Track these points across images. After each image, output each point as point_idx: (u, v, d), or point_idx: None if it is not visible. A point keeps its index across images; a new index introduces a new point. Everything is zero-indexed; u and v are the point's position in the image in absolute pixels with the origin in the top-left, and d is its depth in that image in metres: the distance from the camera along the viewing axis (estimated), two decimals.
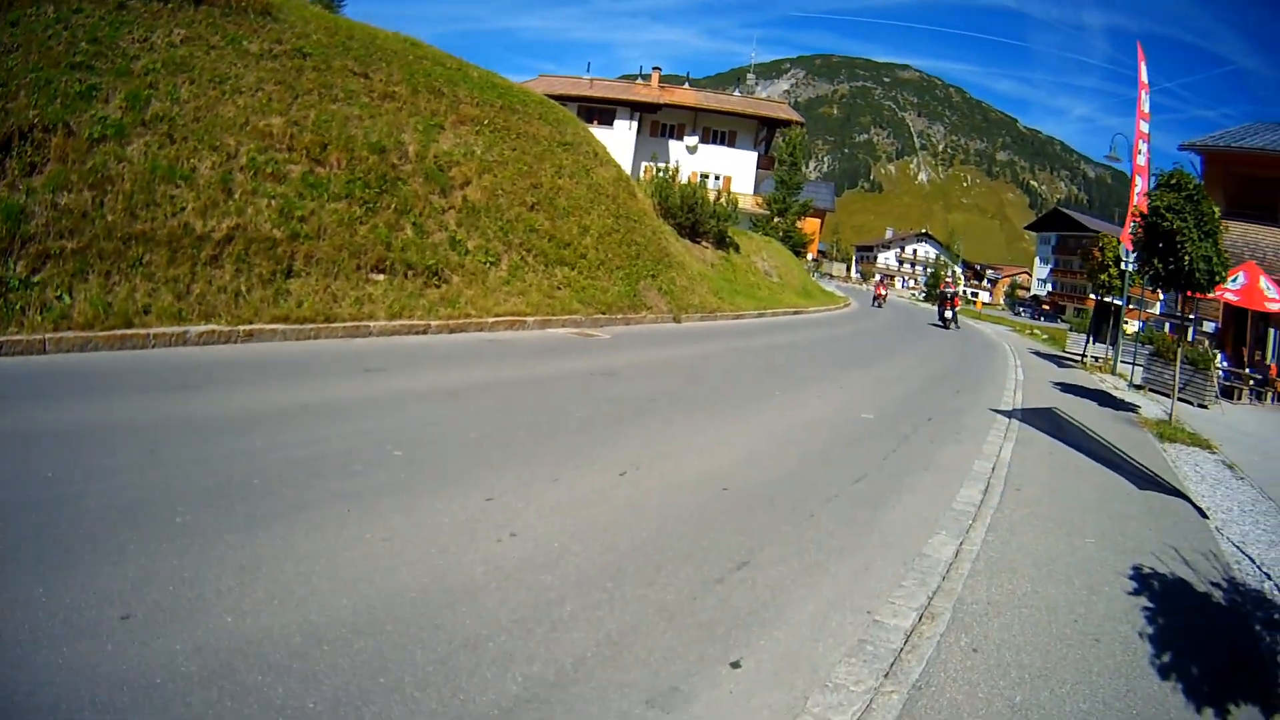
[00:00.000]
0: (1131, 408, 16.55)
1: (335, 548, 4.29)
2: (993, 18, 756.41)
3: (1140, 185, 21.52)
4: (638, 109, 50.83)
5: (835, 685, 3.86)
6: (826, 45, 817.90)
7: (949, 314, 32.80)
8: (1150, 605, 5.64)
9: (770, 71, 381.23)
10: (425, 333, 10.71)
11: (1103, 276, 25.40)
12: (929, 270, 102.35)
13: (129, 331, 7.88)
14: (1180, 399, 19.23)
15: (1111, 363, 24.68)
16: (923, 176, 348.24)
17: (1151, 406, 17.34)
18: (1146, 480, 9.91)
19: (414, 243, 11.66)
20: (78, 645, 3.10)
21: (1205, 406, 18.67)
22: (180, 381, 7.25)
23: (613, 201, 18.22)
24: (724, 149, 53.36)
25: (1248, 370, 23.06)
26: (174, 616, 3.42)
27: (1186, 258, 12.62)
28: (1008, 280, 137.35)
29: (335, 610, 3.69)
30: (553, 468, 6.24)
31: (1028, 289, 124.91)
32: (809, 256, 64.03)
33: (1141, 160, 21.75)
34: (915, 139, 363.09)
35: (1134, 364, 22.11)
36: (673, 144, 51.91)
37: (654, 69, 54.78)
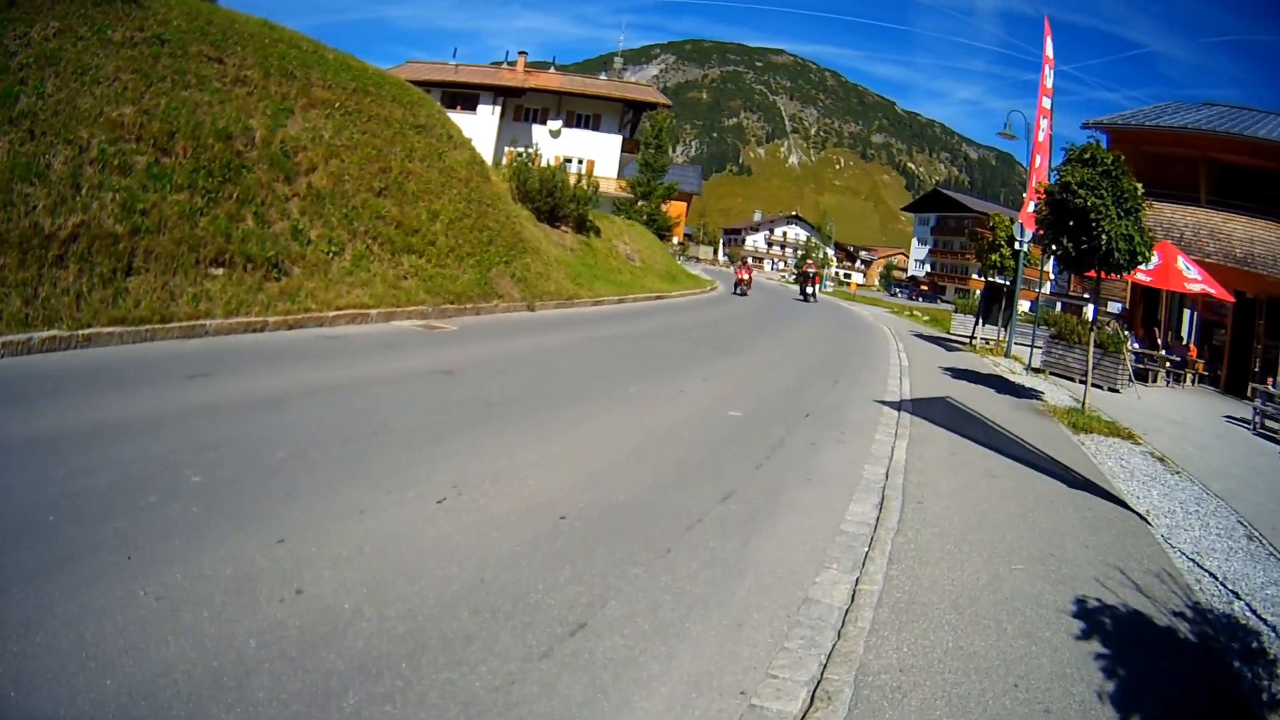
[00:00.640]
0: (1034, 394, 16.01)
1: (109, 607, 3.78)
2: (874, 1, 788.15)
3: (1041, 163, 21.41)
4: (501, 93, 52.23)
5: None
6: (698, 30, 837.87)
7: (810, 290, 42.73)
8: (1105, 652, 4.87)
9: (640, 57, 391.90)
10: (263, 330, 10.73)
11: (993, 257, 25.37)
12: (799, 253, 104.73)
13: None
14: (1084, 381, 19.40)
15: (1004, 345, 24.78)
16: (794, 159, 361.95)
17: (1056, 392, 16.92)
18: (1070, 482, 9.04)
19: (255, 233, 11.85)
20: None
21: (1117, 391, 18.50)
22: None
23: (465, 185, 18.50)
24: (588, 133, 55.13)
25: (1164, 352, 23.38)
26: None
27: (1104, 237, 12.36)
28: (883, 262, 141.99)
29: (98, 695, 3.17)
30: (362, 495, 5.53)
31: (904, 270, 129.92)
32: (675, 240, 65.74)
33: (1042, 137, 21.62)
34: (787, 122, 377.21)
35: (1031, 346, 21.96)
36: (536, 128, 53.29)
37: (519, 53, 56.60)
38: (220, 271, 10.93)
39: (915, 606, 5.12)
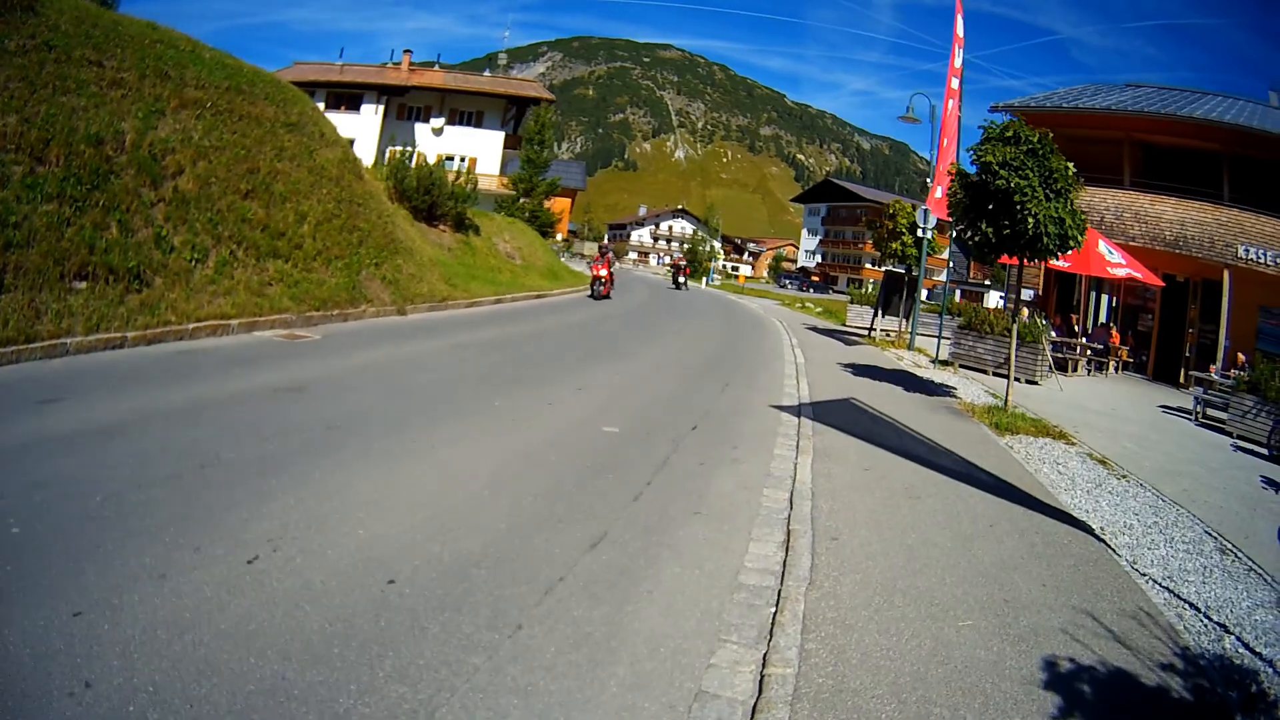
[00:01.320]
0: (946, 390, 15.20)
1: None
2: None
3: (949, 146, 20.82)
4: (385, 92, 53.48)
5: None
6: (586, 27, 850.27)
7: (681, 279, 48.35)
8: None
9: (527, 55, 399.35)
10: (122, 346, 10.38)
11: (894, 245, 24.63)
12: (685, 246, 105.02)
13: None
14: (999, 374, 18.54)
15: (907, 337, 24.16)
16: (680, 154, 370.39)
17: (969, 387, 16.15)
18: (1007, 496, 8.01)
19: (118, 243, 11.66)
20: None
21: (1036, 383, 17.96)
22: None
23: (336, 184, 18.36)
24: (470, 130, 56.03)
25: (1084, 339, 23.12)
26: None
27: (1030, 220, 11.80)
28: (771, 253, 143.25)
29: None
30: (169, 551, 4.73)
31: (794, 261, 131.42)
32: (558, 237, 65.63)
33: (951, 120, 21.03)
34: (673, 117, 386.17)
35: (938, 338, 21.31)
36: (419, 127, 54.53)
37: (405, 51, 57.61)
38: (83, 285, 10.73)
39: (844, 696, 3.97)
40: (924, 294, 29.36)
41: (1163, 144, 25.29)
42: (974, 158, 12.59)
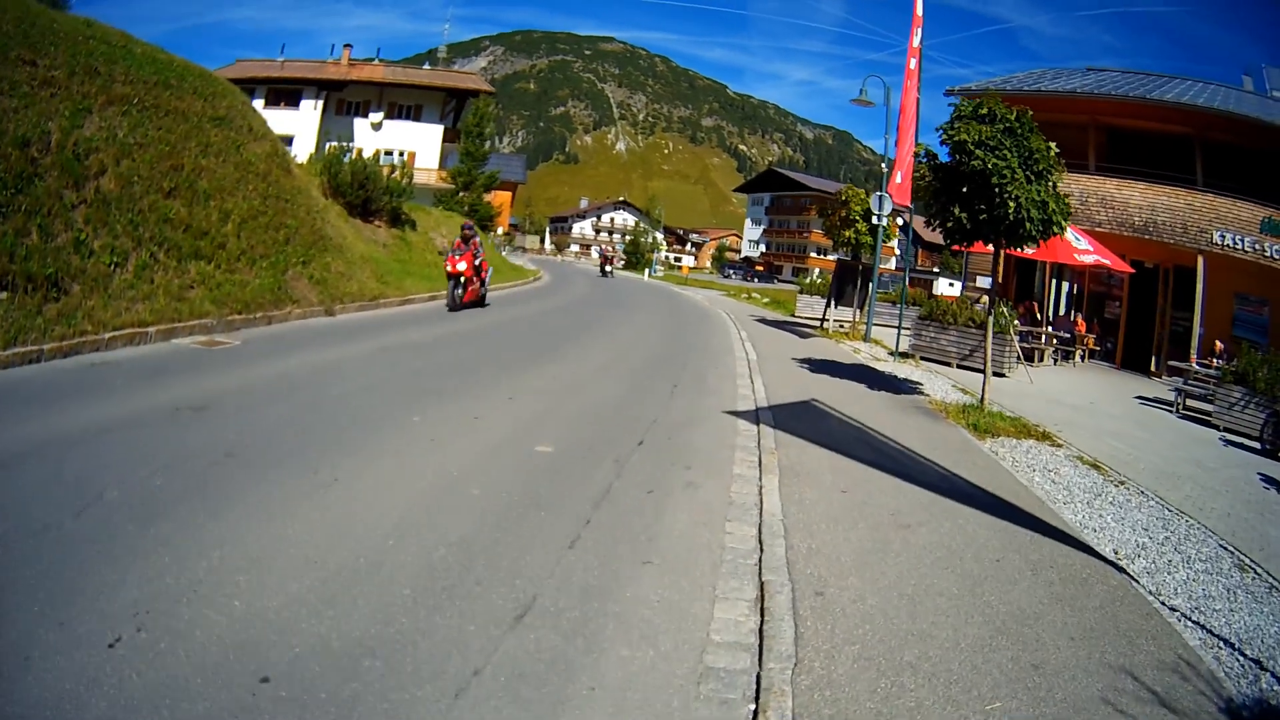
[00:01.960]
0: (912, 387, 14.20)
1: None
2: None
3: (908, 128, 19.89)
4: (324, 87, 52.98)
5: None
6: (528, 21, 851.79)
7: (608, 269, 50.94)
8: None
9: (469, 50, 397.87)
10: (39, 359, 9.74)
11: (847, 234, 23.77)
12: (627, 238, 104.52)
13: None
14: (964, 366, 17.96)
15: (862, 328, 23.37)
16: (621, 146, 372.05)
17: (935, 382, 15.26)
18: (1005, 515, 7.02)
19: (38, 249, 11.31)
20: None
21: (1004, 375, 17.24)
22: None
23: (263, 180, 17.92)
24: (409, 124, 55.97)
25: (1050, 329, 22.48)
26: None
27: (1011, 204, 10.93)
28: (715, 244, 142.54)
29: None
30: (32, 628, 3.86)
31: (738, 251, 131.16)
32: (499, 230, 65.85)
33: (912, 102, 20.29)
34: (615, 109, 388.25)
35: (898, 329, 20.21)
36: (358, 122, 54.59)
37: (345, 46, 57.40)
38: (4, 295, 10.35)
39: None
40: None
41: (1129, 128, 24.72)
42: (944, 137, 11.67)
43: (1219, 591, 6.04)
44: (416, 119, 56.43)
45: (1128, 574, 6.04)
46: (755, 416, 10.04)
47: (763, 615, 4.62)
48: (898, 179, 19.42)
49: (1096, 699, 4.10)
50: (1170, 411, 16.03)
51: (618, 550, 5.29)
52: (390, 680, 3.66)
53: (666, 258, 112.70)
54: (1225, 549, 7.09)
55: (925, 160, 12.29)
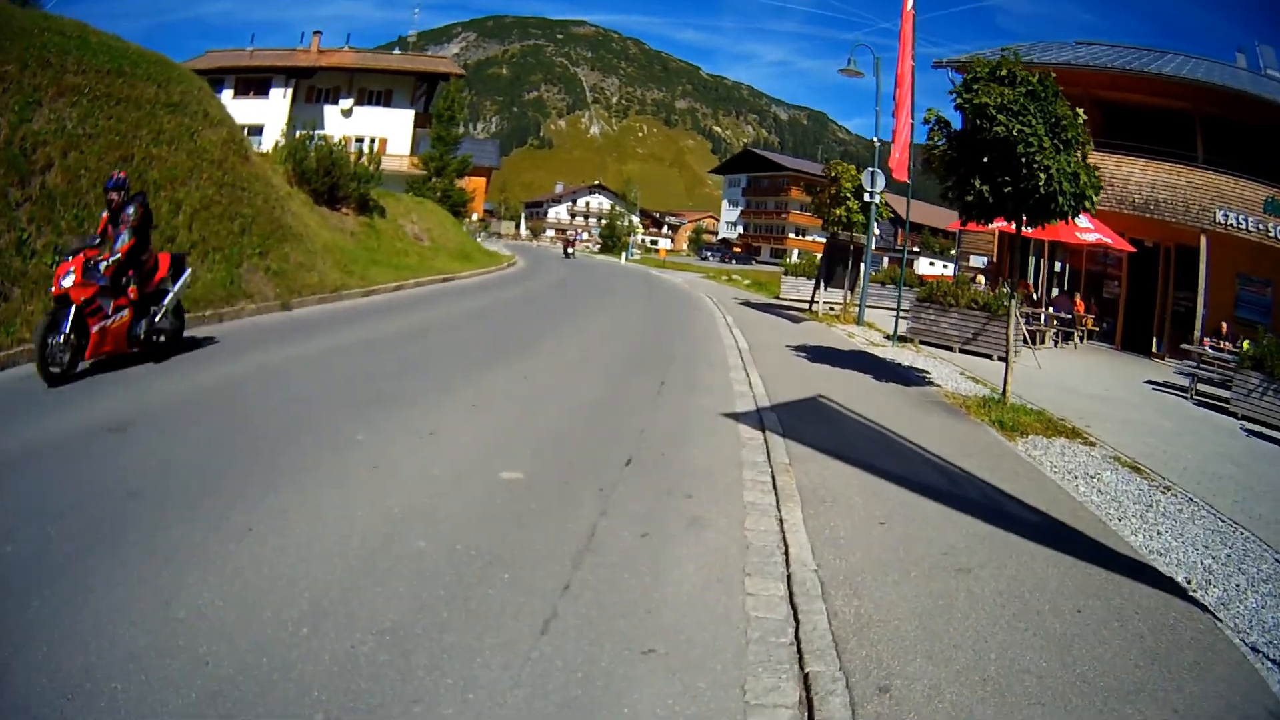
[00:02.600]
0: (921, 377, 12.95)
1: None
2: None
3: (905, 98, 18.68)
4: (293, 75, 51.89)
5: None
6: (499, 6, 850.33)
7: (570, 250, 56.34)
8: None
9: (441, 37, 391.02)
10: None
11: (837, 212, 22.42)
12: (603, 221, 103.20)
13: None
14: (967, 350, 16.80)
15: (854, 311, 22.19)
16: (595, 130, 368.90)
17: (943, 370, 14.08)
18: (1074, 548, 5.78)
19: None
20: None
21: (1007, 359, 16.27)
22: None
23: (218, 168, 17.06)
24: (380, 109, 54.78)
25: (1050, 309, 21.44)
26: None
27: (1042, 175, 9.69)
28: (691, 226, 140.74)
29: None
30: None
31: (714, 233, 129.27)
32: (473, 216, 66.44)
33: (908, 71, 18.94)
34: (588, 93, 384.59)
35: (897, 313, 18.82)
36: (328, 109, 52.99)
37: (315, 33, 55.85)
38: None
39: None
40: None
41: (1127, 102, 23.58)
42: (960, 101, 10.46)
43: None
44: (387, 104, 55.24)
45: (1212, 614, 5.06)
46: (758, 419, 8.69)
47: None
48: (896, 154, 18.17)
49: None
50: (1184, 397, 15.12)
51: (608, 632, 3.91)
52: None
53: (643, 241, 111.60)
54: None
55: (938, 127, 10.94)
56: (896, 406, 10.33)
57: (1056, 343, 20.39)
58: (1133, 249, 21.52)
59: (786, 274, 31.49)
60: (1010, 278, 11.77)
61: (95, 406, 7.18)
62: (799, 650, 3.94)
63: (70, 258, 8.39)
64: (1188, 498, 7.78)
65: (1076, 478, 7.94)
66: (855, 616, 4.31)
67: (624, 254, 68.52)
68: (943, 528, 5.90)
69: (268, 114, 48.01)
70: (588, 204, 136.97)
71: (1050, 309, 21.23)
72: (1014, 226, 10.83)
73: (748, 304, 26.16)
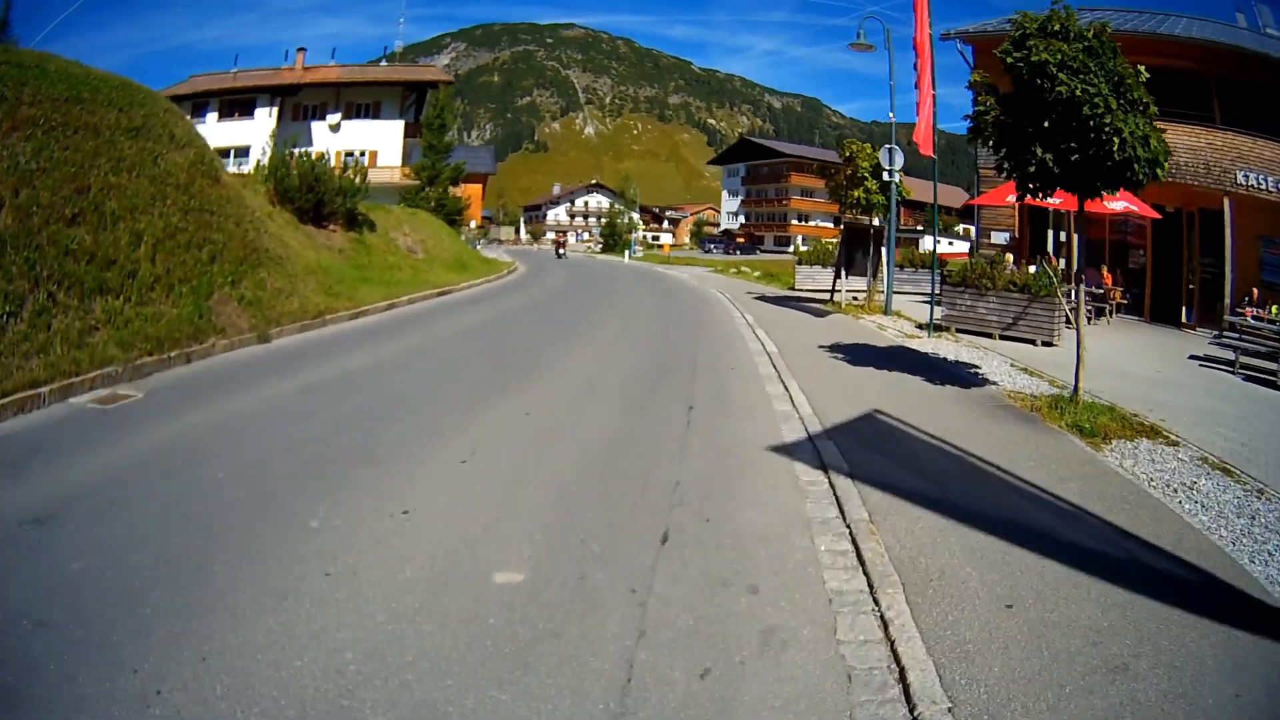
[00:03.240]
0: (974, 374, 11.52)
1: None
2: None
3: (925, 67, 17.54)
4: (278, 93, 51.03)
5: None
6: (487, 15, 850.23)
7: (561, 250, 58.14)
8: None
9: (430, 48, 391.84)
10: None
11: (855, 193, 20.73)
12: (603, 220, 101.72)
13: None
14: (1007, 336, 15.53)
15: (878, 300, 20.77)
16: (589, 130, 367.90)
17: (991, 362, 12.74)
18: (1232, 617, 4.44)
19: None
20: None
21: (1054, 344, 14.97)
22: None
23: (184, 192, 15.75)
24: (368, 122, 53.63)
25: (1083, 284, 20.20)
26: None
27: (1115, 140, 8.38)
28: (692, 219, 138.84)
29: None
30: None
31: (716, 225, 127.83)
32: (471, 224, 63.55)
33: (925, 38, 17.99)
34: (580, 94, 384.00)
35: (932, 300, 17.64)
36: (315, 125, 51.96)
37: (299, 50, 55.09)
38: None
39: None
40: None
41: (1143, 65, 22.24)
42: (1014, 59, 9.12)
43: None
44: (375, 117, 54.20)
45: None
46: (814, 452, 7.19)
47: None
48: (921, 128, 16.72)
49: None
50: (1229, 372, 14.03)
51: None
52: None
53: (644, 237, 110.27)
54: None
55: (986, 91, 9.48)
56: (963, 416, 8.84)
57: (1090, 319, 18.96)
58: (1157, 215, 20.25)
59: (800, 263, 29.87)
60: (1080, 256, 10.31)
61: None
62: None
63: None
64: None
65: (1175, 490, 6.86)
66: None
67: (626, 252, 67.38)
68: (1077, 601, 4.49)
69: (254, 134, 46.74)
70: (586, 204, 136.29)
71: (1083, 284, 19.86)
72: (1076, 199, 9.39)
73: (763, 298, 24.69)
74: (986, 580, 4.66)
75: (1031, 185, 9.22)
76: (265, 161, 25.22)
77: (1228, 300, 19.73)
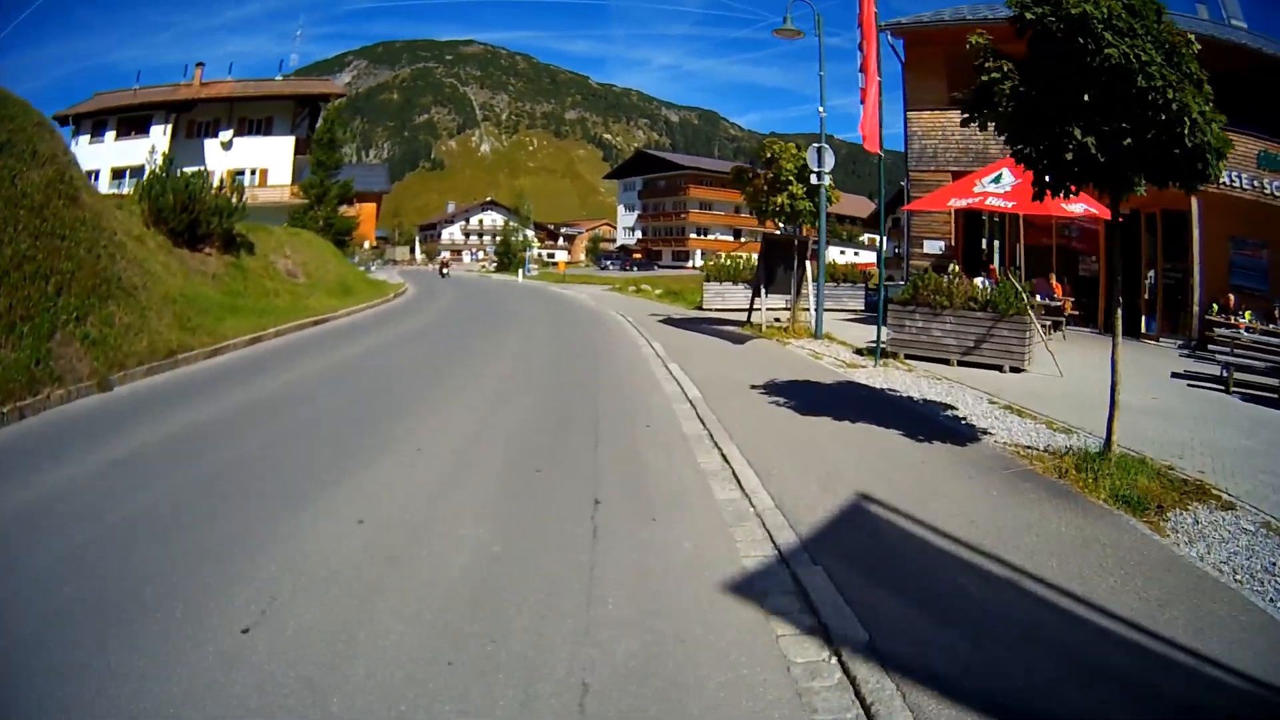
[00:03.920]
0: (960, 422, 9.27)
1: None
2: None
3: (871, 52, 15.59)
4: (174, 109, 49.42)
5: None
6: (389, 32, 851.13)
7: (446, 270, 58.74)
8: None
9: (333, 66, 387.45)
10: None
11: (779, 199, 18.76)
12: (497, 238, 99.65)
13: None
14: (967, 363, 13.69)
15: (806, 320, 18.59)
16: (485, 147, 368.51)
17: (965, 400, 10.60)
18: None
19: None
20: None
21: (1023, 369, 13.21)
22: None
23: (37, 215, 14.39)
24: (260, 139, 52.27)
25: (1038, 296, 18.30)
26: None
27: (1186, 121, 6.34)
28: (588, 235, 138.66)
29: None
30: None
31: (613, 240, 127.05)
32: (365, 244, 63.60)
33: (871, 21, 15.89)
34: (477, 111, 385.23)
35: (880, 322, 14.86)
36: (208, 143, 50.48)
37: (197, 65, 53.78)
38: None
39: None
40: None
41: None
42: (1041, 12, 6.66)
43: None
44: (268, 133, 52.65)
45: None
46: (800, 596, 4.53)
47: None
48: (865, 121, 14.72)
49: None
50: (1221, 390, 12.93)
51: None
52: None
53: (539, 254, 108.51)
54: None
55: (993, 58, 7.13)
56: (980, 496, 6.40)
57: (1049, 335, 17.17)
58: (1109, 216, 18.67)
59: (709, 279, 27.46)
60: (1114, 268, 8.04)
61: None
62: None
63: None
64: None
65: (1264, 584, 5.12)
66: None
67: (520, 271, 65.73)
68: None
69: (144, 154, 45.17)
70: (481, 222, 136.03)
71: (1037, 296, 17.89)
72: (1109, 199, 7.20)
73: (669, 320, 22.38)
74: None
75: (1065, 173, 6.93)
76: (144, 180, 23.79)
77: (1196, 308, 18.61)
